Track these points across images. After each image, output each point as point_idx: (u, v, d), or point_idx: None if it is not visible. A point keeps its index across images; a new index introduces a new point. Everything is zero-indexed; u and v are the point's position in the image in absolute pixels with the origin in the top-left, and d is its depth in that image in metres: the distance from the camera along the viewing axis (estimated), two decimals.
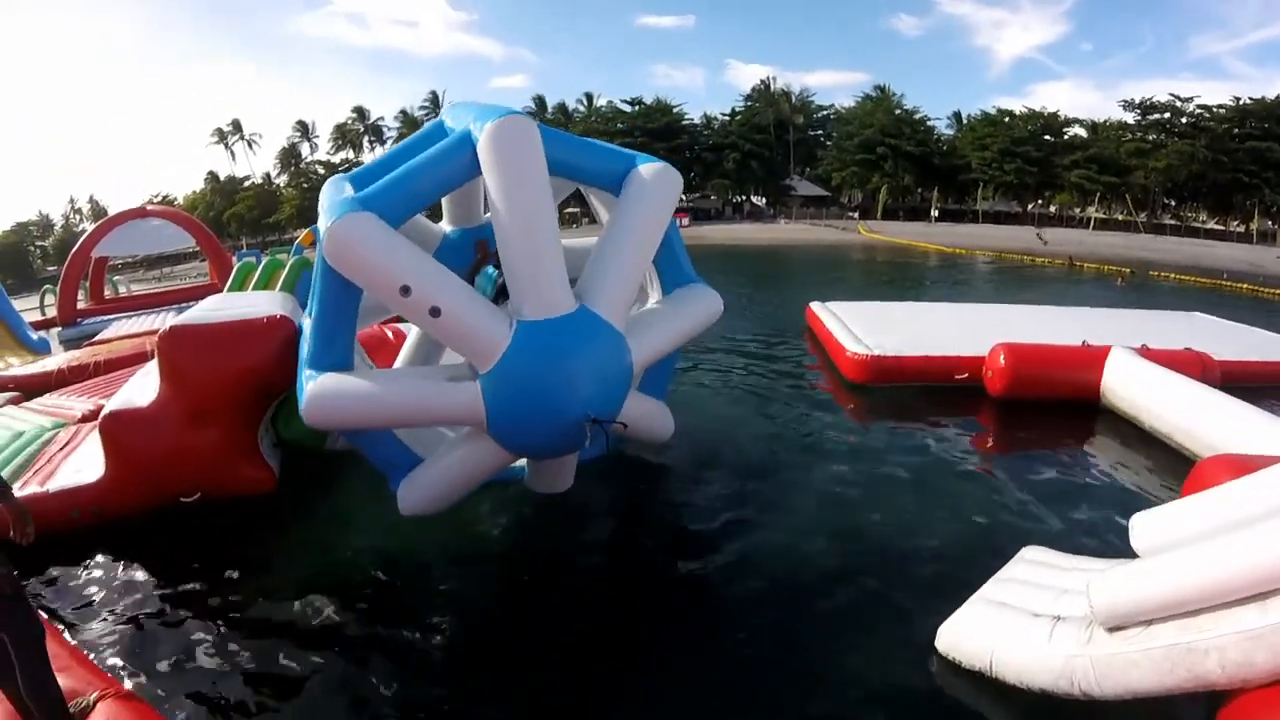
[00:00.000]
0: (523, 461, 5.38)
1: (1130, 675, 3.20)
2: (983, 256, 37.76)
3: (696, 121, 77.23)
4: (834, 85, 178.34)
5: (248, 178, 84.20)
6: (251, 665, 4.16)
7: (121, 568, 5.19)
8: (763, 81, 77.89)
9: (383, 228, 4.05)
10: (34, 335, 14.93)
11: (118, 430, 5.50)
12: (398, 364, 6.21)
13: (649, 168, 4.79)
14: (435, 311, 4.12)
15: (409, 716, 3.85)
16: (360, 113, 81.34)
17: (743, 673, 4.13)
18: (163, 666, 4.14)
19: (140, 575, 5.11)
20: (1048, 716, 3.59)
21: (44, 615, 3.27)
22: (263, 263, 14.49)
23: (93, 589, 4.95)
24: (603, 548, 5.56)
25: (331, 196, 4.53)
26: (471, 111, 4.59)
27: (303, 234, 15.80)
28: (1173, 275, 29.90)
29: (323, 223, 4.23)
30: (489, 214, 4.57)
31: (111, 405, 5.71)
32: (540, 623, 4.65)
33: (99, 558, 5.28)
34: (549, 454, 4.86)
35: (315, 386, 4.28)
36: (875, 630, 4.41)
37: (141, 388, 5.94)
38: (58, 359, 11.21)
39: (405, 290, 4.06)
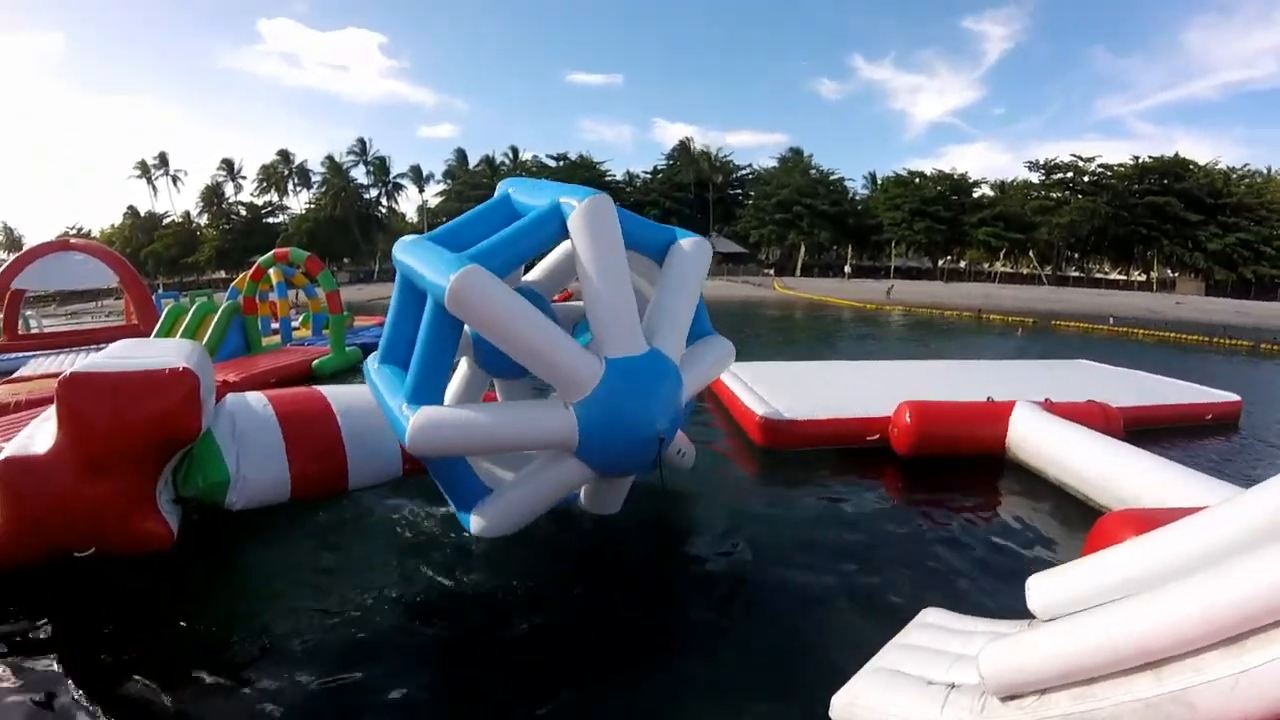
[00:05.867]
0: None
1: None
2: (895, 312, 38.92)
3: (620, 178, 78.87)
4: (755, 145, 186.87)
5: (167, 214, 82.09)
6: None
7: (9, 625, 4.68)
8: (682, 141, 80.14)
9: (495, 279, 4.75)
10: None
11: (12, 477, 5.08)
12: (447, 400, 6.33)
13: (688, 240, 5.88)
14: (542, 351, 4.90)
15: None
16: (285, 156, 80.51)
17: None
18: None
19: (36, 636, 4.61)
20: None
21: None
22: (194, 306, 13.82)
23: None
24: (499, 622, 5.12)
25: (427, 253, 5.15)
26: (541, 189, 5.56)
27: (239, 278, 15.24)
28: (1071, 323, 31.65)
29: (433, 275, 4.82)
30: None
31: (7, 450, 5.28)
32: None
33: None
34: (623, 470, 5.60)
35: (419, 418, 4.84)
36: (767, 700, 4.13)
37: (39, 434, 5.54)
38: None
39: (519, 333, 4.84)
